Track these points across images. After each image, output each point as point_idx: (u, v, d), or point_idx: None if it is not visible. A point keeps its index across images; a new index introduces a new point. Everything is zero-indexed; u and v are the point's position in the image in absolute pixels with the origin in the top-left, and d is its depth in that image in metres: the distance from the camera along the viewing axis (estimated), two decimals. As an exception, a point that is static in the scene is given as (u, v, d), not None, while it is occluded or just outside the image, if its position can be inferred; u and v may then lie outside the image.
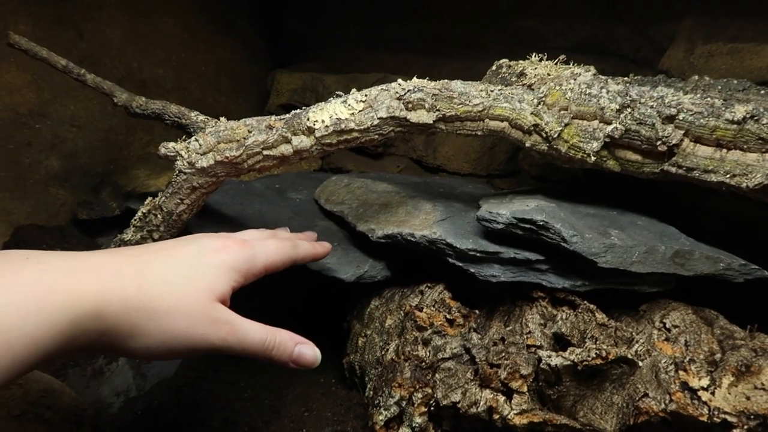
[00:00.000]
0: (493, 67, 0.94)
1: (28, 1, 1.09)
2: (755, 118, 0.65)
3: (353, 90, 0.77)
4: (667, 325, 0.70)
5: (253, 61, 1.67)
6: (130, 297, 0.47)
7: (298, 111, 0.77)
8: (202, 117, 0.85)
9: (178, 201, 0.79)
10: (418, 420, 0.67)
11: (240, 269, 0.58)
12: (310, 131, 0.75)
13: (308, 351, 0.59)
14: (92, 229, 1.13)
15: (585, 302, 0.72)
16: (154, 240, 0.82)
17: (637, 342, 0.67)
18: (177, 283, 0.51)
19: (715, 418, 0.55)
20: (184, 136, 0.81)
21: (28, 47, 0.86)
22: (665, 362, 0.61)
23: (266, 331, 0.56)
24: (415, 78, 0.78)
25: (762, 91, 0.72)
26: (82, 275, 0.46)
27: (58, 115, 1.14)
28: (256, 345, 0.55)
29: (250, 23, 1.68)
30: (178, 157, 0.78)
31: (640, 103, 0.71)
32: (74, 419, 0.72)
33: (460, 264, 0.77)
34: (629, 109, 0.71)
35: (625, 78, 0.83)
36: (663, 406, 0.58)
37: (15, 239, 1.05)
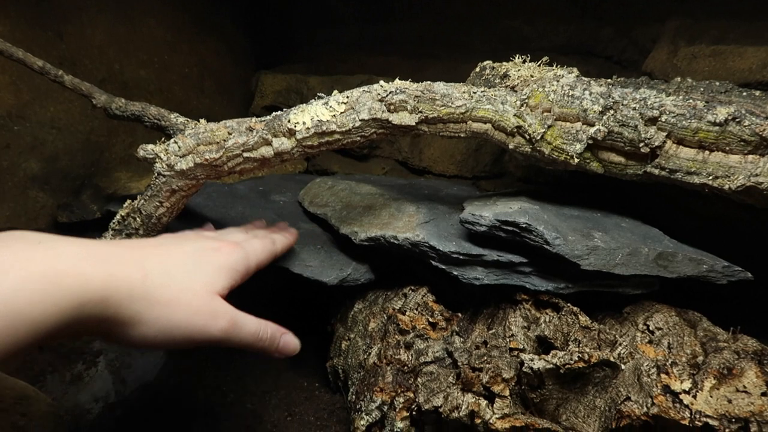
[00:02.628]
0: (477, 69, 0.93)
1: (6, 2, 1.07)
2: (737, 120, 0.65)
3: (335, 92, 0.76)
4: (650, 328, 0.69)
5: (237, 62, 1.65)
6: (135, 286, 0.49)
7: (279, 113, 0.76)
8: (182, 119, 0.84)
9: (158, 204, 0.78)
10: (400, 425, 0.67)
11: (238, 269, 0.62)
12: (291, 133, 0.74)
13: (291, 340, 0.64)
14: (72, 232, 1.10)
15: (568, 305, 0.71)
16: (134, 243, 0.81)
17: (620, 345, 0.66)
18: (179, 276, 0.54)
19: (696, 422, 0.55)
20: (163, 138, 0.80)
21: (4, 48, 0.84)
22: (647, 365, 0.61)
23: (258, 323, 0.60)
24: (397, 80, 0.77)
25: (744, 93, 0.72)
26: (90, 261, 0.46)
27: (37, 117, 1.12)
28: (251, 336, 0.58)
29: (234, 24, 1.67)
30: (156, 160, 0.76)
31: (622, 105, 0.70)
32: (50, 426, 0.70)
33: (443, 267, 0.77)
34: (612, 111, 0.71)
35: (608, 80, 0.82)
36: (645, 409, 0.58)
37: (-7, 243, 1.03)
